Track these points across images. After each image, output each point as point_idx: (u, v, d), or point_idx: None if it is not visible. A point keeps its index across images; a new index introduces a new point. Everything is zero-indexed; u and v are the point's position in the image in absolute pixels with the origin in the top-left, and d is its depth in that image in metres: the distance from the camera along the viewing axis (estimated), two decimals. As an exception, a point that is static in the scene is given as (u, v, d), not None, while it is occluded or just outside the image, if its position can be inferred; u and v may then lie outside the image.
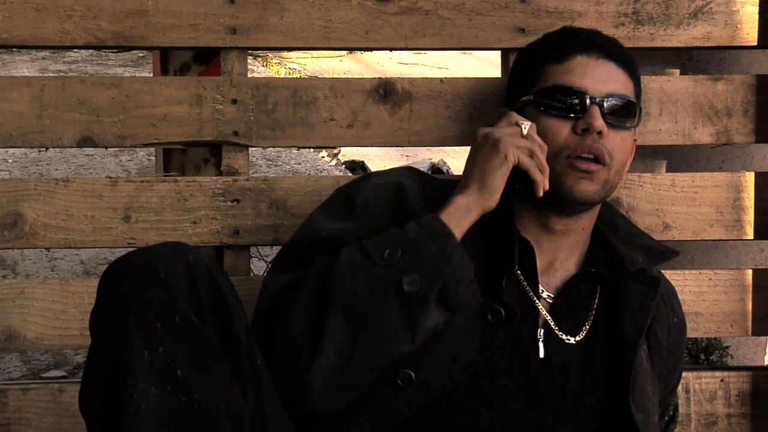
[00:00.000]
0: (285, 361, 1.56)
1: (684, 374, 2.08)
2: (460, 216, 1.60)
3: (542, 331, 1.68)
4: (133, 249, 1.46)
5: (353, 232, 1.63)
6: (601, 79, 1.70)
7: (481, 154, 1.64)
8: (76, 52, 6.77)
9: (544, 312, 1.69)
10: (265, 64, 8.34)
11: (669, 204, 2.13)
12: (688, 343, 2.50)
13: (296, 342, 1.56)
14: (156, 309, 1.37)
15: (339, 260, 1.58)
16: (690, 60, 2.50)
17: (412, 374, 1.60)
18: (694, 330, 2.12)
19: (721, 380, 2.13)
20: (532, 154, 1.62)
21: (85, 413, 1.44)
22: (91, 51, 6.82)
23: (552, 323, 1.68)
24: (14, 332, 2.01)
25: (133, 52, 6.96)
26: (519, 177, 1.62)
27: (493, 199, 1.62)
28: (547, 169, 1.64)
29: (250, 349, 1.47)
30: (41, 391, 2.04)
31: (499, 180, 1.62)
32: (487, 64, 7.19)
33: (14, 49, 6.84)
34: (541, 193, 1.62)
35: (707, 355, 2.42)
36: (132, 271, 1.40)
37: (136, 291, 1.38)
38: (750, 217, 2.13)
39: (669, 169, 2.53)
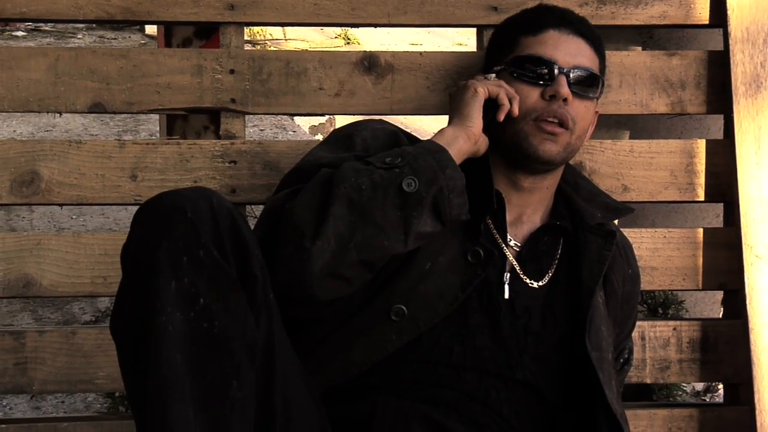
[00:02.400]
0: (287, 243, 1.64)
1: (640, 323, 2.24)
2: (448, 140, 1.75)
3: (508, 275, 1.82)
4: (163, 191, 1.54)
5: (352, 159, 1.76)
6: (570, 53, 1.84)
7: (458, 97, 1.82)
8: (79, 38, 6.93)
9: (511, 258, 1.83)
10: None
11: (627, 168, 2.27)
12: (648, 299, 2.65)
13: (301, 226, 1.64)
14: (183, 244, 1.45)
15: (342, 166, 1.69)
16: (651, 38, 2.65)
17: (404, 309, 1.74)
18: (650, 283, 2.27)
19: (674, 329, 2.27)
20: (500, 87, 1.80)
21: (116, 336, 1.52)
22: (94, 37, 6.97)
23: (518, 268, 1.83)
24: (31, 280, 2.14)
25: (134, 38, 7.10)
26: (493, 110, 1.79)
27: (474, 126, 1.78)
28: (516, 97, 1.80)
29: (264, 284, 1.56)
30: (55, 333, 2.17)
31: (474, 110, 1.79)
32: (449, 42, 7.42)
33: (20, 35, 6.96)
34: (501, 118, 1.79)
35: (664, 309, 2.57)
36: (162, 210, 1.49)
37: (165, 228, 1.46)
38: (702, 180, 2.27)
39: (631, 139, 2.69)
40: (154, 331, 1.43)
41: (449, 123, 1.82)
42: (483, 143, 1.81)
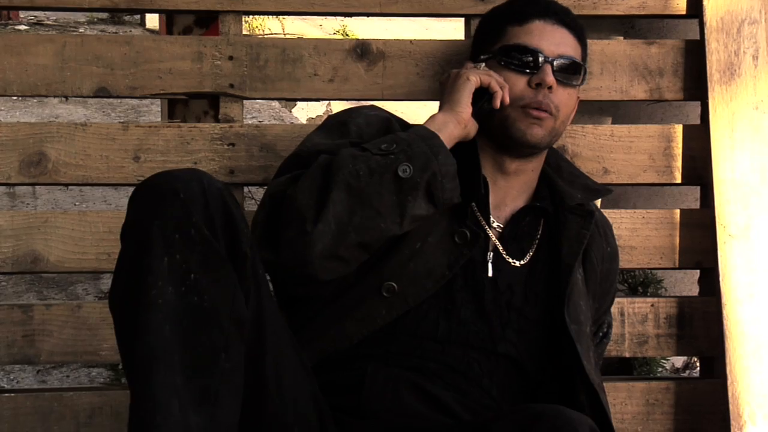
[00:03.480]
0: (290, 227, 1.72)
1: (620, 300, 2.33)
2: (439, 126, 1.83)
3: (491, 254, 1.90)
4: (157, 173, 1.61)
5: (349, 146, 1.84)
6: (554, 42, 1.92)
7: (449, 85, 1.91)
8: (81, 32, 7.01)
9: (494, 239, 1.92)
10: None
11: (608, 152, 2.35)
12: (628, 278, 2.74)
13: (302, 210, 1.72)
14: (175, 223, 1.51)
15: (341, 153, 1.77)
16: (632, 28, 2.73)
17: (395, 286, 1.83)
18: (629, 261, 2.35)
19: (652, 305, 2.36)
20: (490, 75, 1.88)
21: (113, 308, 1.57)
22: (96, 31, 7.05)
23: (500, 248, 1.91)
24: (39, 256, 2.22)
25: (135, 32, 7.18)
26: (483, 99, 1.87)
27: (463, 111, 1.86)
28: (506, 86, 1.88)
29: (253, 262, 1.60)
30: (62, 307, 2.25)
31: (465, 96, 1.86)
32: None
33: (22, 29, 7.02)
34: (498, 105, 1.86)
35: (644, 288, 2.67)
36: (156, 190, 1.55)
37: (159, 207, 1.52)
38: (679, 163, 2.36)
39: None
40: (146, 304, 1.49)
41: (440, 109, 1.90)
42: (472, 128, 1.89)
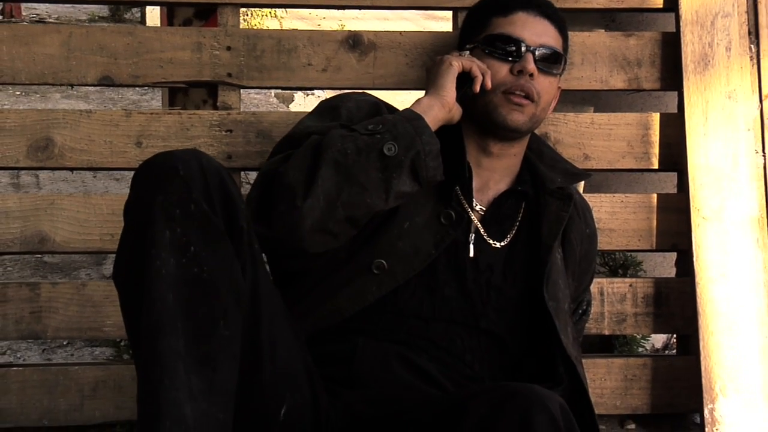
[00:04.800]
0: (281, 202, 1.78)
1: (600, 280, 2.43)
2: (424, 109, 1.89)
3: (473, 235, 1.97)
4: (158, 153, 1.66)
5: (339, 128, 1.91)
6: (536, 32, 1.98)
7: (434, 70, 1.98)
8: (85, 25, 7.09)
9: (476, 221, 1.98)
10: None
11: (588, 138, 2.45)
12: (609, 261, 2.83)
13: (292, 187, 1.78)
14: (176, 198, 1.57)
15: (330, 133, 1.83)
16: (613, 21, 2.81)
17: (384, 263, 1.89)
18: (608, 243, 2.45)
19: (630, 285, 2.46)
20: (473, 62, 1.96)
21: (118, 281, 1.63)
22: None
23: (482, 230, 1.98)
24: (45, 236, 2.32)
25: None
26: (466, 84, 1.95)
27: (447, 95, 1.92)
28: (488, 72, 1.95)
29: (249, 236, 1.66)
30: (68, 285, 2.35)
31: (449, 81, 1.93)
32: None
33: (25, 23, 7.08)
34: (477, 89, 1.93)
35: (624, 270, 2.76)
36: (157, 169, 1.60)
37: (160, 184, 1.58)
38: (656, 150, 2.46)
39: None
40: (150, 274, 1.54)
41: (426, 93, 1.97)
42: (456, 111, 1.96)
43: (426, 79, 2.01)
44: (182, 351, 1.53)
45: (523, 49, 1.96)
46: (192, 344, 1.54)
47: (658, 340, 2.93)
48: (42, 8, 7.70)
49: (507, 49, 1.97)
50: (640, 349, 2.81)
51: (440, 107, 1.93)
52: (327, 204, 1.79)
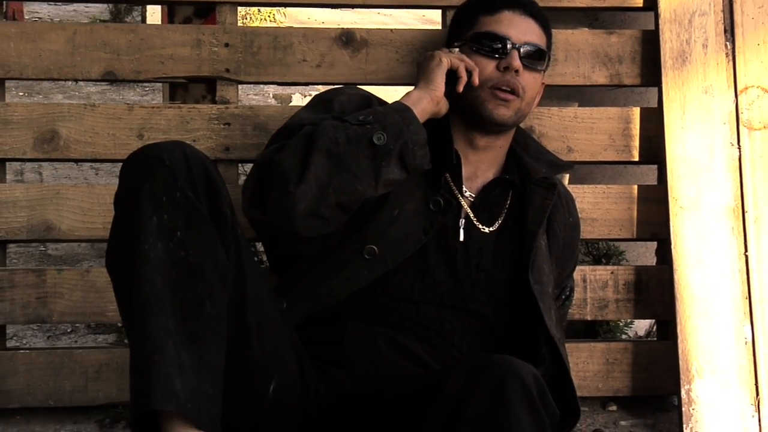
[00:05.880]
0: (275, 188, 1.84)
1: (583, 268, 2.51)
2: (413, 101, 1.97)
3: (463, 221, 2.04)
4: (145, 145, 1.75)
5: (331, 119, 1.98)
6: (521, 30, 2.05)
7: (425, 64, 2.06)
8: (89, 23, 7.18)
9: (466, 207, 2.05)
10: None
11: (572, 132, 2.52)
12: (593, 250, 2.90)
13: (286, 173, 1.84)
14: (162, 186, 1.65)
15: (322, 123, 1.91)
16: (596, 20, 2.89)
17: (375, 249, 1.97)
18: (591, 232, 2.52)
19: (612, 273, 2.53)
20: (461, 60, 2.03)
21: (110, 266, 1.71)
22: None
23: (472, 216, 2.05)
24: (51, 225, 2.39)
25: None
26: (454, 82, 2.02)
27: (436, 89, 1.99)
28: (475, 69, 2.02)
29: (233, 221, 1.74)
30: (72, 272, 2.43)
31: (438, 76, 2.01)
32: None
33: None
34: (460, 89, 2.00)
35: (607, 259, 2.84)
36: (144, 159, 1.69)
37: (147, 174, 1.66)
38: (636, 143, 2.53)
39: (578, 109, 2.92)
40: (139, 258, 1.62)
41: (416, 87, 2.04)
42: (444, 105, 2.04)
43: (416, 73, 2.08)
44: (171, 329, 1.60)
45: (509, 46, 2.03)
46: (180, 322, 1.61)
47: (641, 327, 3.00)
48: (44, 12, 7.80)
49: (493, 46, 2.04)
50: (623, 336, 2.88)
51: (429, 100, 2.00)
52: (319, 190, 1.85)
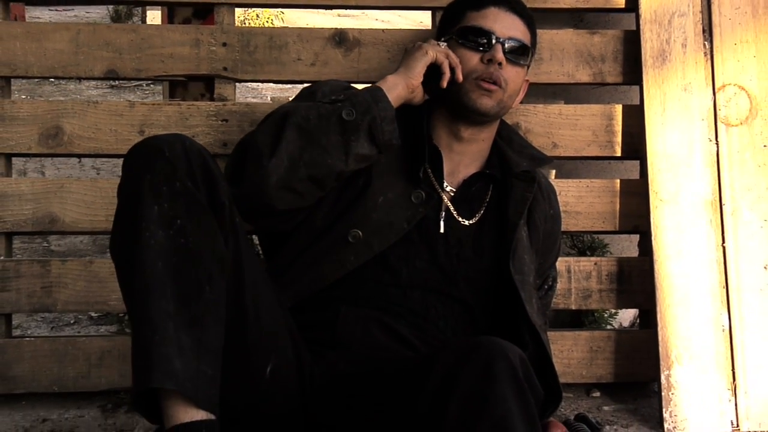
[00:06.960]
0: (249, 162, 1.91)
1: (567, 259, 2.59)
2: (389, 86, 2.03)
3: (443, 213, 2.11)
4: (145, 137, 1.78)
5: None
6: (506, 26, 2.11)
7: (410, 52, 2.11)
8: (92, 22, 7.24)
9: (447, 200, 2.12)
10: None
11: (557, 128, 2.59)
12: (578, 243, 2.97)
13: (259, 148, 1.91)
14: (162, 177, 1.69)
15: (297, 104, 1.97)
16: (581, 21, 2.97)
17: (360, 233, 2.03)
18: (575, 225, 2.60)
19: (595, 264, 2.61)
20: (447, 56, 2.09)
21: (113, 253, 1.74)
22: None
23: (452, 209, 2.11)
24: (55, 217, 2.47)
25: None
26: (439, 77, 2.07)
27: (414, 78, 2.04)
28: (459, 66, 2.08)
29: (231, 210, 1.78)
30: (76, 262, 2.50)
31: (419, 66, 2.05)
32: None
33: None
34: (444, 85, 2.05)
35: (591, 252, 2.92)
36: (145, 151, 1.73)
37: (148, 165, 1.70)
38: (619, 139, 2.61)
39: (564, 107, 2.98)
40: (141, 245, 1.66)
41: (395, 71, 2.07)
42: (419, 94, 2.09)
43: (401, 59, 2.13)
44: (171, 312, 1.65)
45: (494, 40, 2.09)
46: (180, 306, 1.65)
47: (626, 318, 3.07)
48: (45, 17, 7.88)
49: (479, 40, 2.10)
50: (608, 327, 2.95)
51: (404, 87, 2.05)
52: (290, 163, 1.91)
